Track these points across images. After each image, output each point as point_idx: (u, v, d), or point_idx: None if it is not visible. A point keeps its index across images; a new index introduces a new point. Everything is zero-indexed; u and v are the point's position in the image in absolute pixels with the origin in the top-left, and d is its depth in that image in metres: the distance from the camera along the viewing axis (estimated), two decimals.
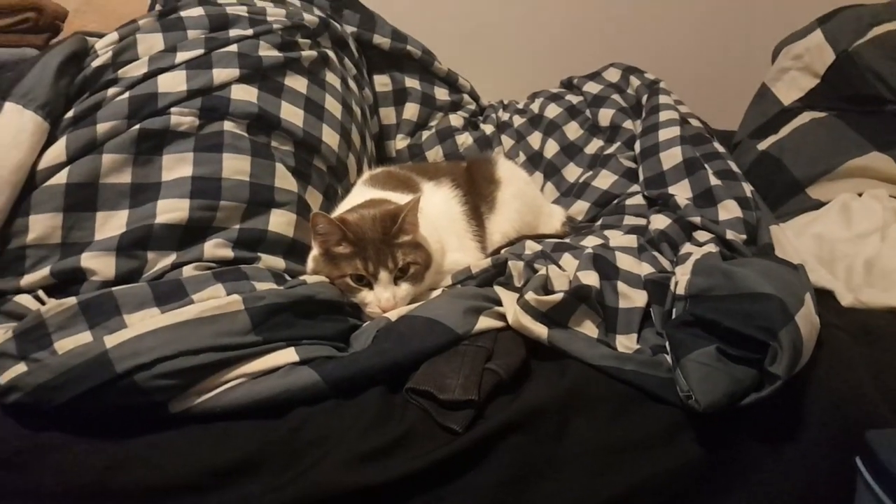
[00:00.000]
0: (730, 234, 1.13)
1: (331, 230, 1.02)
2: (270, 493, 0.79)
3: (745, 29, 2.18)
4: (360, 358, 0.90)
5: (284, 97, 1.19)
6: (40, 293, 0.99)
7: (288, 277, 1.06)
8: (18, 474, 0.81)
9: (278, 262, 1.08)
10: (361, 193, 1.21)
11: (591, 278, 1.01)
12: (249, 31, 1.22)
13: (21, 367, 0.85)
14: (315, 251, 1.07)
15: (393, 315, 0.99)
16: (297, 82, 1.23)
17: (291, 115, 1.18)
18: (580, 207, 1.47)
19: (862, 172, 1.33)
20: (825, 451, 0.85)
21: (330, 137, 1.24)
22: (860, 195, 1.31)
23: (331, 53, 1.39)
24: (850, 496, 0.81)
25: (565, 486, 0.82)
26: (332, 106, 1.29)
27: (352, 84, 1.45)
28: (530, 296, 0.95)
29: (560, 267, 1.07)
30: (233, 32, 1.21)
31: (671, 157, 1.34)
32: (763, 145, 1.46)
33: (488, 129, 1.75)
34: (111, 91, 1.08)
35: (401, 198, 1.15)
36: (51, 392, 0.82)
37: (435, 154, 1.68)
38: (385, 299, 1.02)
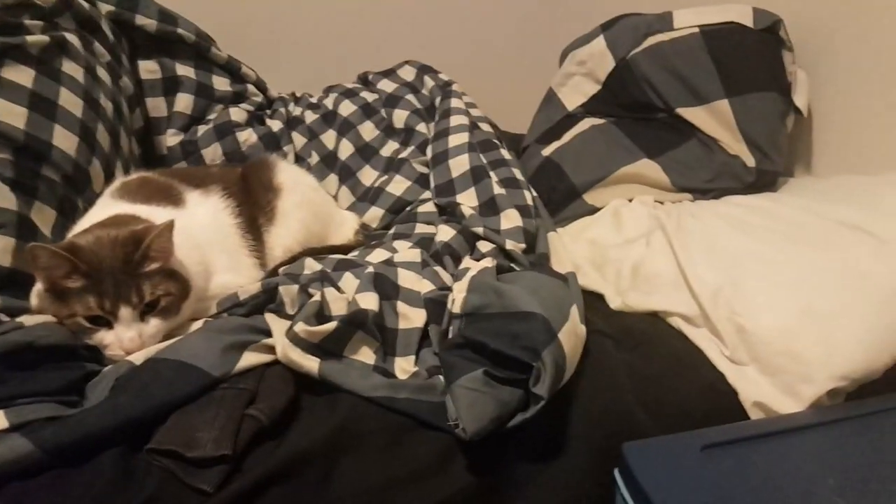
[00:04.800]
0: (509, 244, 1.13)
1: (55, 263, 0.85)
2: None
3: (539, 32, 2.24)
4: (88, 417, 0.76)
5: (1, 93, 0.99)
6: None
7: (4, 318, 0.88)
8: None
9: None
10: (106, 207, 1.04)
11: (369, 300, 0.95)
12: None
13: None
14: (39, 285, 0.90)
15: (139, 357, 0.86)
16: (19, 74, 1.03)
17: (9, 114, 0.99)
18: (375, 214, 1.41)
19: (632, 178, 1.40)
20: (589, 466, 0.86)
21: (64, 140, 1.06)
22: (631, 201, 1.38)
23: (72, 37, 1.19)
24: None
25: None
26: (70, 101, 1.11)
27: (102, 73, 1.26)
28: (300, 327, 0.87)
29: (339, 289, 1.00)
30: None
31: (459, 165, 1.32)
32: (547, 151, 1.49)
33: (276, 125, 1.62)
34: None
35: (157, 212, 1.01)
36: None
37: (213, 152, 1.52)
38: (128, 339, 0.87)
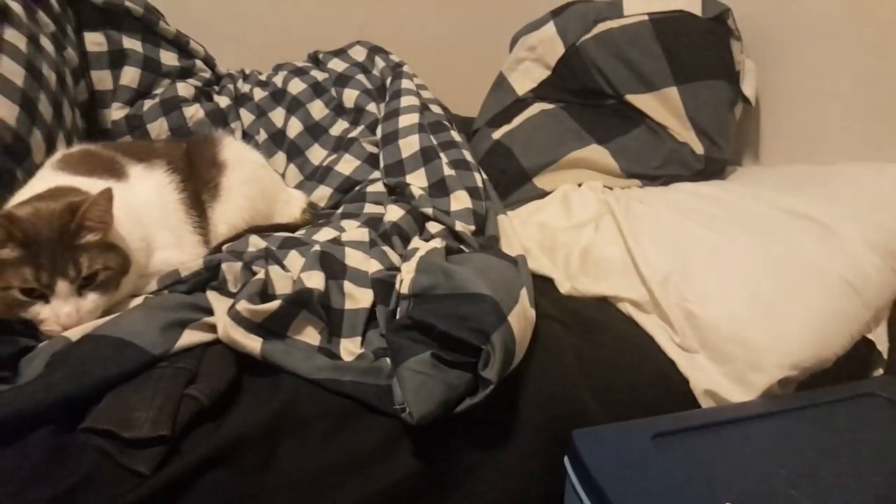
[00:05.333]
0: (459, 226, 1.14)
1: None
2: None
3: (492, 15, 2.23)
4: (21, 394, 0.73)
5: None
6: None
7: None
8: None
9: None
10: (46, 179, 1.00)
11: (315, 279, 0.95)
12: None
13: None
14: None
15: (76, 333, 0.83)
16: None
17: None
18: (323, 193, 1.40)
19: (581, 164, 1.41)
20: (537, 453, 0.86)
21: (4, 109, 1.03)
22: (580, 186, 1.39)
23: (14, 5, 1.16)
24: (560, 497, 0.84)
25: None
26: (11, 70, 1.08)
27: (45, 43, 1.22)
28: (242, 305, 0.86)
29: (284, 267, 0.99)
30: None
31: (409, 145, 1.32)
32: (497, 134, 1.50)
33: (224, 101, 1.59)
34: None
35: (98, 185, 0.97)
36: None
37: (159, 127, 1.49)
38: (65, 314, 0.85)
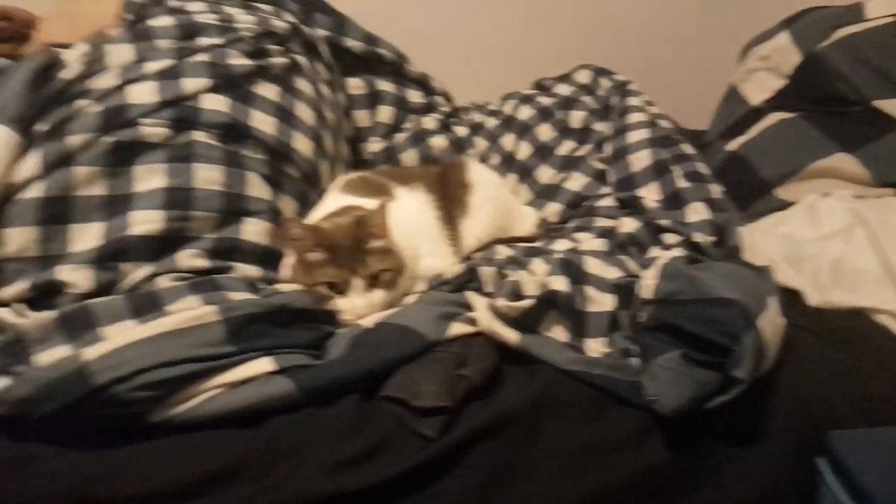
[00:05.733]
0: (697, 237, 1.15)
1: (303, 236, 1.03)
2: (251, 501, 0.80)
3: (716, 29, 2.21)
4: (334, 367, 0.91)
5: (255, 105, 1.19)
6: (19, 306, 0.98)
7: (262, 286, 1.07)
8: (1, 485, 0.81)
9: (252, 271, 1.09)
10: (335, 200, 1.22)
11: (560, 283, 1.03)
12: (219, 40, 1.22)
13: (3, 381, 0.86)
14: (289, 259, 1.08)
15: (367, 323, 1.01)
16: (267, 90, 1.24)
17: (263, 123, 1.18)
18: (553, 209, 1.49)
19: (827, 173, 1.36)
20: (788, 453, 0.87)
21: (302, 144, 1.25)
22: (826, 195, 1.34)
23: (301, 59, 1.39)
24: (812, 497, 0.84)
25: (537, 489, 0.84)
26: (304, 112, 1.30)
27: (323, 89, 1.46)
28: (502, 302, 0.97)
29: (530, 272, 1.09)
30: (202, 41, 1.22)
31: (640, 160, 1.36)
32: (732, 146, 1.49)
33: (462, 131, 1.76)
34: (82, 103, 1.08)
35: (374, 204, 1.16)
36: (32, 405, 0.83)
37: (409, 157, 1.69)
38: (359, 307, 1.03)
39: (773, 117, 1.49)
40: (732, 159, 1.47)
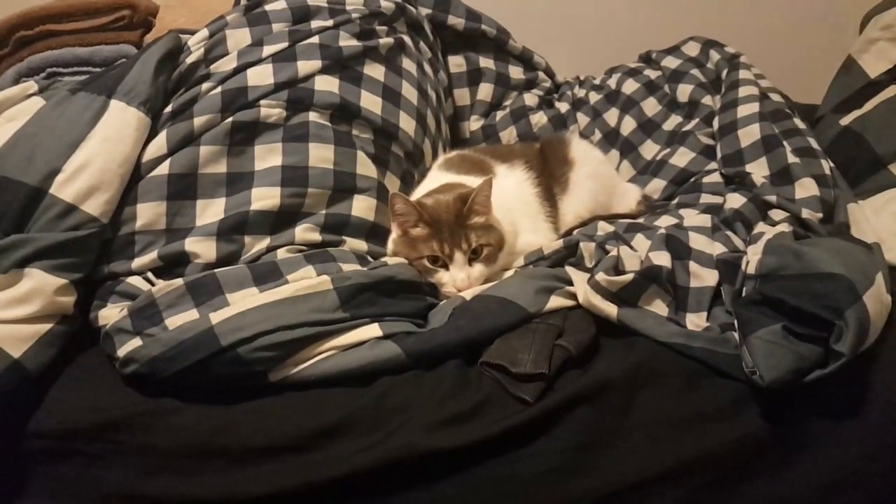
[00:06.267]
0: (805, 213, 1.12)
1: (408, 211, 1.08)
2: (359, 454, 0.87)
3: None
4: (437, 334, 0.96)
5: (364, 86, 1.24)
6: (149, 275, 1.09)
7: (370, 259, 1.13)
8: (135, 435, 0.91)
9: (361, 245, 1.15)
10: (437, 177, 1.26)
11: (662, 258, 1.04)
12: (330, 22, 1.27)
13: (136, 342, 0.95)
14: (394, 234, 1.14)
15: (468, 295, 1.05)
16: (375, 70, 1.28)
17: (370, 103, 1.24)
18: (657, 185, 1.47)
19: None
20: (888, 428, 0.86)
21: (407, 123, 1.30)
22: None
23: (407, 39, 1.43)
24: None
25: (632, 453, 0.86)
26: (409, 92, 1.34)
27: (427, 68, 1.49)
28: (601, 276, 0.99)
29: (632, 247, 1.10)
30: (314, 24, 1.27)
31: (749, 135, 1.32)
32: (846, 120, 1.42)
33: (563, 107, 1.75)
34: (205, 86, 1.16)
35: (475, 181, 1.19)
36: (163, 363, 0.92)
37: (509, 134, 1.70)
38: (460, 279, 1.08)
39: (892, 90, 1.40)
40: (846, 134, 1.39)
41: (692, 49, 1.73)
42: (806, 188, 1.18)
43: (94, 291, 1.08)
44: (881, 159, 1.33)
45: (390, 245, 1.16)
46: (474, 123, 1.74)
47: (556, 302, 1.01)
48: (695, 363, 0.92)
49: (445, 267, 1.09)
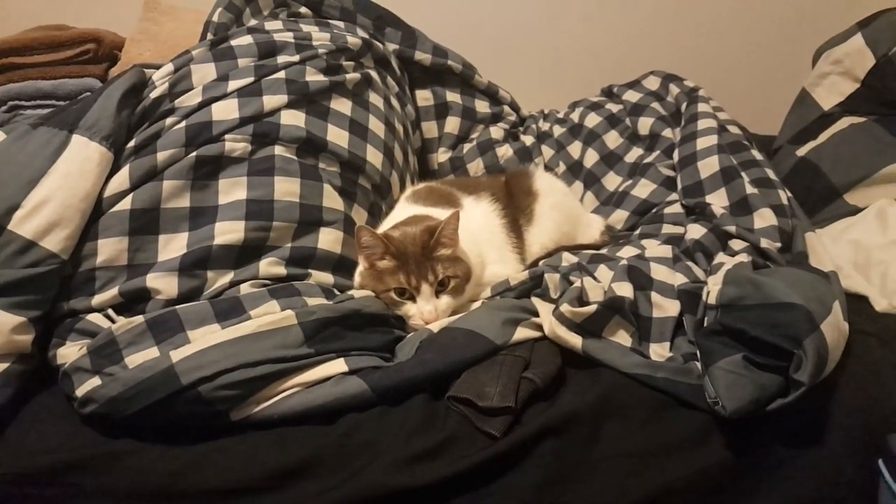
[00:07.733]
0: (764, 243, 1.15)
1: (374, 244, 1.08)
2: (324, 494, 0.85)
3: (786, 34, 2.17)
4: (404, 368, 0.96)
5: (330, 120, 1.25)
6: (110, 311, 1.07)
7: (337, 292, 1.12)
8: (94, 477, 0.88)
9: (327, 278, 1.15)
10: (404, 209, 1.27)
11: (625, 289, 1.05)
12: (296, 58, 1.28)
13: (95, 381, 0.93)
14: (361, 266, 1.14)
15: (435, 327, 1.05)
16: (341, 105, 1.29)
17: (337, 137, 1.24)
18: (619, 216, 1.50)
19: None
20: (848, 454, 0.87)
21: (373, 157, 1.31)
22: None
23: (374, 73, 1.45)
24: (872, 498, 0.84)
25: (599, 486, 0.86)
26: (376, 126, 1.35)
27: (394, 102, 1.51)
28: (565, 307, 1.00)
29: (595, 278, 1.11)
30: (280, 59, 1.28)
31: (708, 166, 1.36)
32: (802, 151, 1.47)
33: (528, 140, 1.78)
34: (169, 120, 1.16)
35: (442, 213, 1.20)
36: (122, 403, 0.90)
37: (476, 166, 1.73)
38: (427, 312, 1.07)
39: (844, 122, 1.46)
40: (802, 164, 1.44)
41: (652, 83, 1.78)
42: (764, 218, 1.21)
43: (53, 329, 1.05)
44: (836, 189, 1.38)
45: (357, 278, 1.16)
46: (442, 155, 1.76)
47: (522, 333, 1.01)
48: (658, 394, 0.92)
49: (413, 299, 1.09)
